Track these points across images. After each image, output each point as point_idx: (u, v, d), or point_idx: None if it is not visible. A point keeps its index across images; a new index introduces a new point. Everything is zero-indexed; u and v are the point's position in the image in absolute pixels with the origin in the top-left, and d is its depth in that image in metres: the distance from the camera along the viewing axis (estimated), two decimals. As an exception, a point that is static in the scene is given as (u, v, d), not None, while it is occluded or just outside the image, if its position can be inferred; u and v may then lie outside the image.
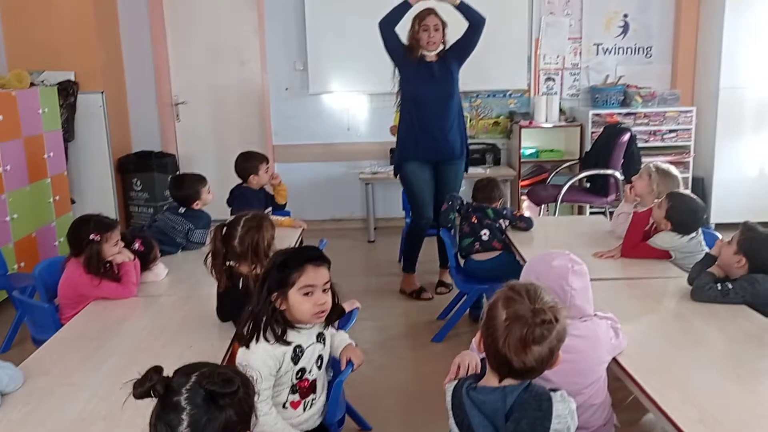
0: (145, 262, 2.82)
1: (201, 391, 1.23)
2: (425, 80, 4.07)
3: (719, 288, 2.33)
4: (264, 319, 1.85)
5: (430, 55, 4.07)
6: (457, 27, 4.11)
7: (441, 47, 4.09)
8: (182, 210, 3.34)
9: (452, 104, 4.13)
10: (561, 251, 2.03)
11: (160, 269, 2.89)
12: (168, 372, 1.26)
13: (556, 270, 1.95)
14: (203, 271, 2.40)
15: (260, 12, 5.84)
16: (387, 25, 4.05)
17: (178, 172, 5.46)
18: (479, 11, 4.08)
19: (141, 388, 1.23)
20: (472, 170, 4.87)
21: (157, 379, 1.23)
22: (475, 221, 3.65)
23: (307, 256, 1.90)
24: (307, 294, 1.86)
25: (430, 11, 4.03)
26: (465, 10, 4.07)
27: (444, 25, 4.05)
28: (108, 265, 2.66)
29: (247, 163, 3.84)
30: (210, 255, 2.36)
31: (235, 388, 1.24)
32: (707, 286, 2.35)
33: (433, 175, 4.24)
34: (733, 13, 5.35)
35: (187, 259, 3.14)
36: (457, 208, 3.77)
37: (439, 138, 4.12)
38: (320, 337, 2.00)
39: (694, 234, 2.82)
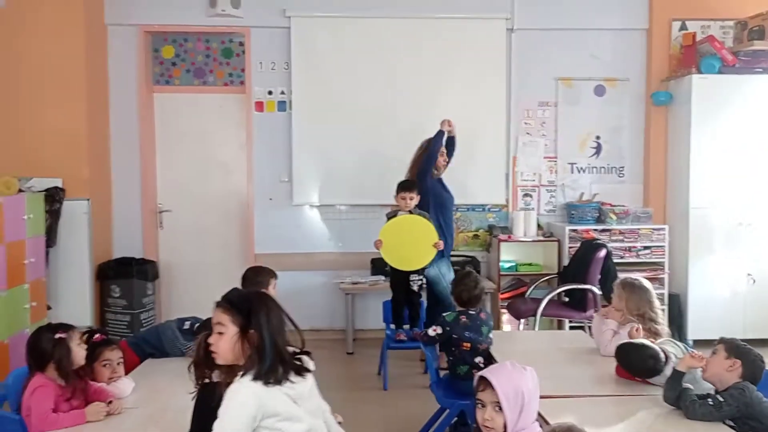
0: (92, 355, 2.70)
1: None
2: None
3: (711, 403, 2.32)
4: None
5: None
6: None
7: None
8: (187, 326, 3.33)
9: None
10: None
11: (125, 384, 2.73)
12: None
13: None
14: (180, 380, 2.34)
15: (248, 130, 6.05)
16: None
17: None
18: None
19: None
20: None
21: None
22: (468, 348, 3.45)
23: None
24: None
25: None
26: (450, 142, 5.22)
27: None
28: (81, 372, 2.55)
29: (259, 277, 3.78)
30: (193, 364, 2.31)
31: None
32: (698, 403, 2.33)
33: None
34: (699, 138, 5.63)
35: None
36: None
37: None
38: None
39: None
